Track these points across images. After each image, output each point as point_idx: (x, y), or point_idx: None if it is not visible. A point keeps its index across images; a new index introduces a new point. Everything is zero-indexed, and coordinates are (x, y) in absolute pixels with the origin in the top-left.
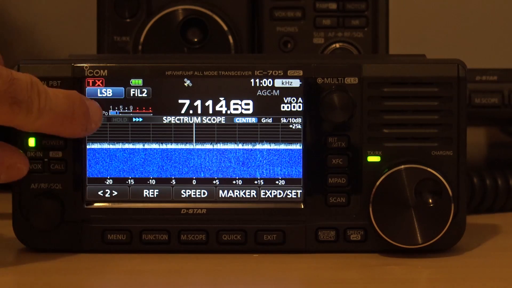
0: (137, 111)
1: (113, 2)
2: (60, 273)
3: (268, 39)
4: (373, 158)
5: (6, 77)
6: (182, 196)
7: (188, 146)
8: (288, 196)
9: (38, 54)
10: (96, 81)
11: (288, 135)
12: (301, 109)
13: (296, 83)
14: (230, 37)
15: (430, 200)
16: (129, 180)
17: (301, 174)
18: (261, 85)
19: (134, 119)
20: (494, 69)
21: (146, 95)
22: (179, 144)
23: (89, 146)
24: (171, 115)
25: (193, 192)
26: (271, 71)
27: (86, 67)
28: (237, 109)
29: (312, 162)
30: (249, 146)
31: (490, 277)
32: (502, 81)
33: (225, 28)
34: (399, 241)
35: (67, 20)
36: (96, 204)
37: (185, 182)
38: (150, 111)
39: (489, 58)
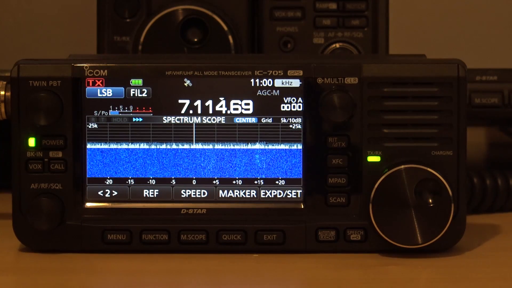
0: (137, 111)
1: (113, 2)
2: (60, 273)
3: (268, 39)
4: (373, 158)
5: None
6: (182, 196)
7: (188, 146)
8: (288, 196)
9: (38, 54)
10: (96, 81)
11: (288, 135)
12: (301, 109)
13: (296, 83)
14: (230, 37)
15: (430, 200)
16: (129, 180)
17: (301, 174)
18: (261, 85)
19: (134, 119)
20: (494, 69)
21: (146, 95)
22: (179, 144)
23: (89, 146)
24: (171, 115)
25: (193, 192)
26: (271, 71)
27: (86, 67)
28: (237, 109)
29: (312, 162)
30: (249, 146)
31: (490, 277)
32: (502, 81)
33: (225, 28)
34: (399, 241)
35: (67, 20)
36: (96, 204)
37: (185, 182)
38: (150, 111)
39: (489, 58)
